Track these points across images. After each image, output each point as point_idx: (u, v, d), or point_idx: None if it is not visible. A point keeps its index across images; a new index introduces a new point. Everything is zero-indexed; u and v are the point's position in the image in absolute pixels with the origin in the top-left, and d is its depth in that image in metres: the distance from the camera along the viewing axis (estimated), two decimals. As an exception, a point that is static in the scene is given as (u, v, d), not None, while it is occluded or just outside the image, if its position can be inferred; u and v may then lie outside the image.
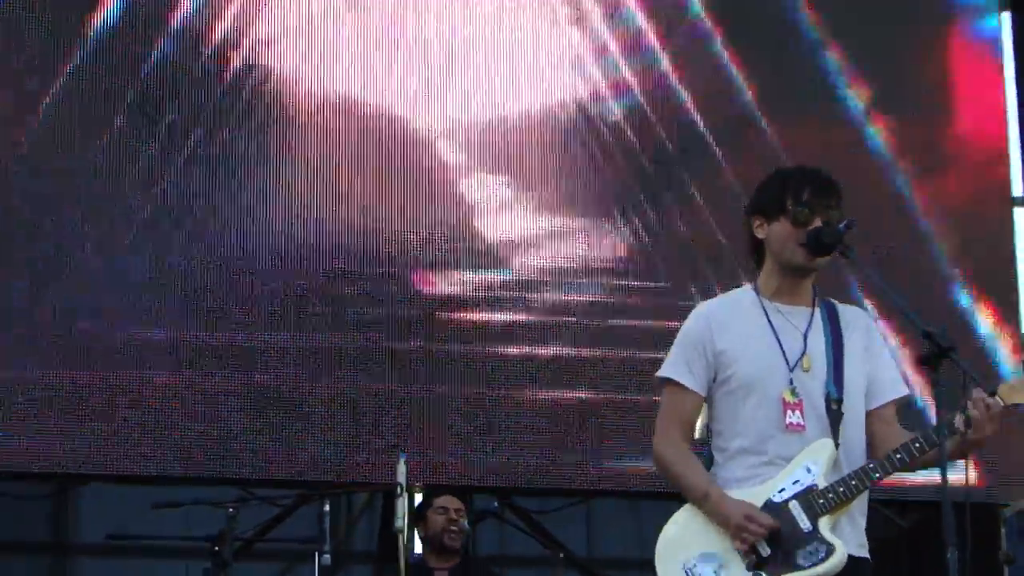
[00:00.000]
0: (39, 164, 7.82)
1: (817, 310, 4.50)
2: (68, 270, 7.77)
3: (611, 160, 8.43)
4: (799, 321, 4.46)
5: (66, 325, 7.71)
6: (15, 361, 7.63)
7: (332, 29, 8.25)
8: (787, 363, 4.41)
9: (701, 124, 8.51)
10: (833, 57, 8.70)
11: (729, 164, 8.41)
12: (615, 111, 8.48)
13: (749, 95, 8.57)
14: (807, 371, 4.41)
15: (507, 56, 8.40)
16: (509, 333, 8.13)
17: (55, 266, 7.75)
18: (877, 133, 8.65)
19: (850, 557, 4.33)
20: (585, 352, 8.17)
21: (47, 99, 7.84)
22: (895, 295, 4.45)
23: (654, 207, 8.44)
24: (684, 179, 8.48)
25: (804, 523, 4.30)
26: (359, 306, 8.01)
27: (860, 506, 4.44)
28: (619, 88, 8.51)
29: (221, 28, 8.13)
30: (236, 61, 8.10)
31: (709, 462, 4.50)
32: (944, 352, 4.09)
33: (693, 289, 8.11)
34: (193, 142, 7.98)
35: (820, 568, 4.26)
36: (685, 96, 8.52)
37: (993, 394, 4.29)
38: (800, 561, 4.27)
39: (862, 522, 4.46)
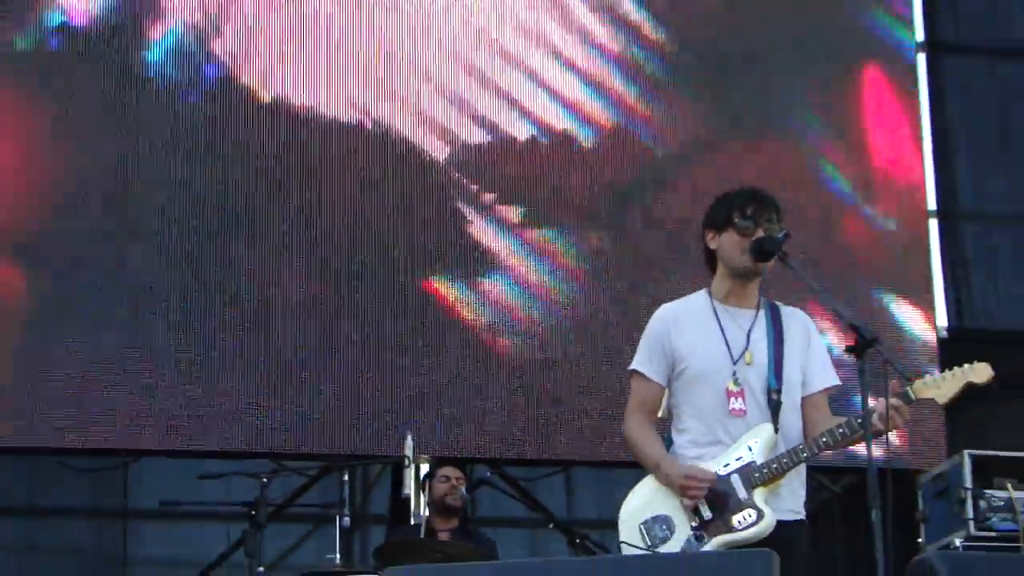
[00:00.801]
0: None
1: (762, 311, 4.84)
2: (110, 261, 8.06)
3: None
4: (744, 321, 4.81)
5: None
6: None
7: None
8: (731, 357, 4.75)
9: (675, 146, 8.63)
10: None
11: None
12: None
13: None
14: (749, 364, 4.74)
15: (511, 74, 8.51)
16: (503, 328, 8.33)
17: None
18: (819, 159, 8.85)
19: (789, 521, 4.68)
20: (570, 348, 8.34)
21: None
22: (826, 295, 4.86)
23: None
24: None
25: (742, 493, 4.64)
26: (370, 300, 8.23)
27: (799, 478, 4.77)
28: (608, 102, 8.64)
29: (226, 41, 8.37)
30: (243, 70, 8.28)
31: (668, 443, 4.82)
32: (869, 343, 4.37)
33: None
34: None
35: (750, 531, 4.62)
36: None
37: (910, 380, 4.64)
38: (735, 524, 4.63)
39: (801, 491, 4.79)
